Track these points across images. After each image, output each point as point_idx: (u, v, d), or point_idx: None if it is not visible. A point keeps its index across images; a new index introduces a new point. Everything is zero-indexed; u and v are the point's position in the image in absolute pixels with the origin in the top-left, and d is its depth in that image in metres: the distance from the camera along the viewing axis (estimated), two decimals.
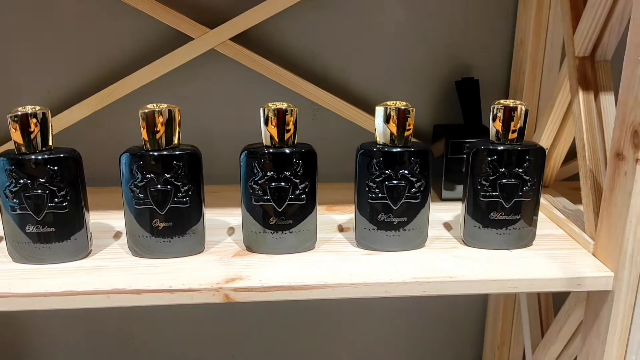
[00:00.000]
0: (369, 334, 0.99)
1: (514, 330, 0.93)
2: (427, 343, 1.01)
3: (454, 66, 0.86)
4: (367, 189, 0.63)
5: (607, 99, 0.67)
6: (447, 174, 0.80)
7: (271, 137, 0.61)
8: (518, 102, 0.63)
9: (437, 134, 0.83)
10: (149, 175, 0.59)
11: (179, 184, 0.60)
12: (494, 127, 0.64)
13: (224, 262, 0.62)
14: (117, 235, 0.68)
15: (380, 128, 0.63)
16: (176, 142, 0.61)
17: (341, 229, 0.71)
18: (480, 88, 0.84)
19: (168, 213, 0.61)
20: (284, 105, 0.61)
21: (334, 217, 0.75)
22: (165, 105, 0.59)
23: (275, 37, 0.83)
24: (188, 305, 0.57)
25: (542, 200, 0.78)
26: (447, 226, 0.72)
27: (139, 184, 0.60)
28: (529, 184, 0.63)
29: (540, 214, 0.76)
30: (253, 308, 0.96)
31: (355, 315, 0.98)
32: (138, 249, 0.62)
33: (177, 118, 0.60)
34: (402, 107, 0.62)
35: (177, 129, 0.60)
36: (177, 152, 0.60)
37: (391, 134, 0.62)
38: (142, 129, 0.59)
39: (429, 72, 0.86)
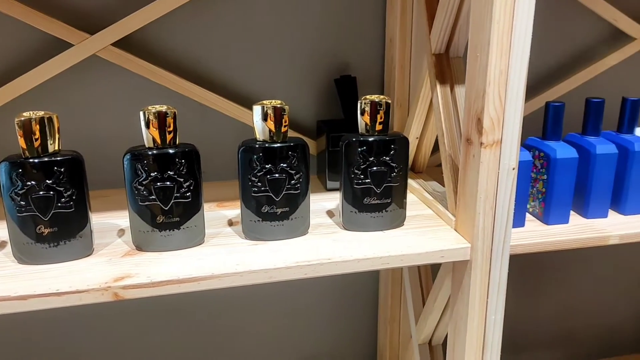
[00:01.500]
0: (268, 315, 1.03)
1: (403, 305, 1.01)
2: (326, 321, 1.06)
3: (334, 65, 0.92)
4: (250, 183, 0.67)
5: (461, 92, 0.75)
6: (330, 166, 0.85)
7: (153, 139, 0.64)
8: (382, 96, 0.69)
9: (320, 129, 0.89)
10: (29, 183, 0.60)
11: (62, 189, 0.61)
12: (363, 120, 0.70)
13: (113, 263, 0.63)
14: (2, 244, 0.68)
15: (259, 126, 0.67)
16: (56, 148, 0.62)
17: (230, 223, 0.75)
18: (358, 85, 0.91)
19: (52, 219, 0.61)
20: (163, 108, 0.63)
21: (224, 212, 0.78)
22: (42, 112, 0.60)
23: (159, 41, 0.85)
24: (81, 307, 0.59)
25: (415, 185, 0.86)
26: (330, 214, 0.78)
27: (20, 192, 0.60)
28: (396, 170, 0.70)
29: (413, 196, 0.84)
30: (170, 304, 0.98)
31: (256, 298, 1.02)
32: (24, 257, 0.63)
33: (56, 124, 0.61)
34: (278, 106, 0.66)
35: (57, 135, 0.61)
36: (58, 158, 0.61)
37: (269, 130, 0.67)
38: (19, 137, 0.59)
39: (310, 71, 0.91)
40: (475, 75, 0.64)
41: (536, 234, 0.73)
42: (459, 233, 0.71)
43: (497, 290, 0.70)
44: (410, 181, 0.87)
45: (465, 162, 0.67)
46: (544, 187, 0.75)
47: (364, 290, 1.05)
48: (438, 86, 0.75)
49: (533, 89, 0.99)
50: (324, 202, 0.82)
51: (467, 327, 0.70)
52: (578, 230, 0.74)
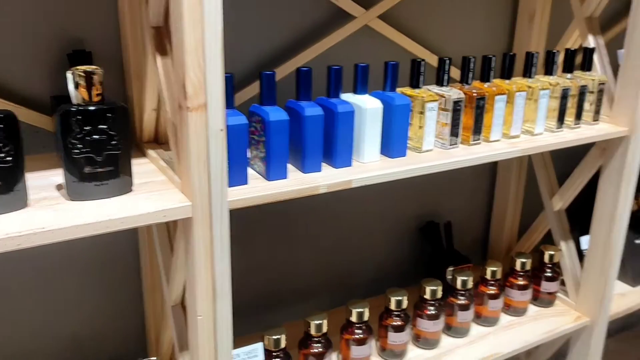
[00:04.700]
0: (24, 297, 1.00)
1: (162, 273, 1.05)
2: (88, 300, 1.06)
3: (66, 40, 0.91)
4: None
5: None
6: None
7: None
8: (94, 67, 0.71)
9: (53, 104, 0.88)
10: None
11: None
12: (78, 91, 0.71)
13: None
14: None
15: None
16: None
17: None
18: (97, 60, 0.91)
19: None
20: None
21: None
22: None
23: None
24: None
25: (154, 154, 0.90)
26: (59, 187, 0.78)
27: None
28: (116, 139, 0.73)
29: (151, 166, 0.88)
30: None
31: (9, 280, 0.97)
32: None
33: None
34: None
35: None
36: None
37: None
38: None
39: (43, 46, 0.89)
40: (178, 44, 0.69)
41: (257, 189, 0.81)
42: (183, 194, 0.76)
43: (220, 241, 0.77)
44: (150, 152, 0.91)
45: (180, 126, 0.73)
46: (264, 147, 0.84)
47: (125, 264, 1.07)
48: (159, 58, 0.79)
49: (272, 63, 1.08)
50: (55, 177, 0.81)
51: (196, 279, 0.77)
52: (294, 183, 0.84)
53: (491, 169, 1.48)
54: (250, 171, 0.88)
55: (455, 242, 1.42)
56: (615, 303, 1.34)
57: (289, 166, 0.90)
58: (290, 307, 1.28)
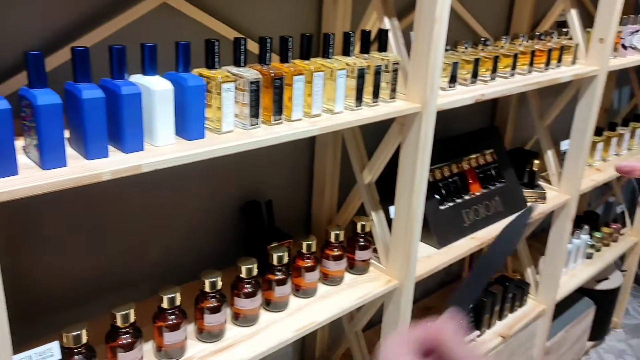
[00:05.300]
0: None
1: None
2: None
3: None
4: None
5: None
6: None
7: None
8: None
9: None
10: None
11: None
12: None
13: None
14: None
15: None
16: None
17: None
18: None
19: None
20: None
21: None
22: None
23: None
24: None
25: None
26: None
27: None
28: None
29: None
30: None
31: None
32: None
33: None
34: None
35: None
36: None
37: None
38: None
39: None
40: None
41: (27, 180, 0.75)
42: None
43: None
44: None
45: None
46: (36, 134, 0.78)
47: None
48: None
49: (59, 43, 1.00)
50: None
51: None
52: (73, 171, 0.79)
53: (309, 146, 1.53)
54: (25, 160, 0.81)
55: (278, 220, 1.45)
56: (421, 265, 1.47)
57: (72, 153, 0.85)
58: (104, 301, 1.22)
